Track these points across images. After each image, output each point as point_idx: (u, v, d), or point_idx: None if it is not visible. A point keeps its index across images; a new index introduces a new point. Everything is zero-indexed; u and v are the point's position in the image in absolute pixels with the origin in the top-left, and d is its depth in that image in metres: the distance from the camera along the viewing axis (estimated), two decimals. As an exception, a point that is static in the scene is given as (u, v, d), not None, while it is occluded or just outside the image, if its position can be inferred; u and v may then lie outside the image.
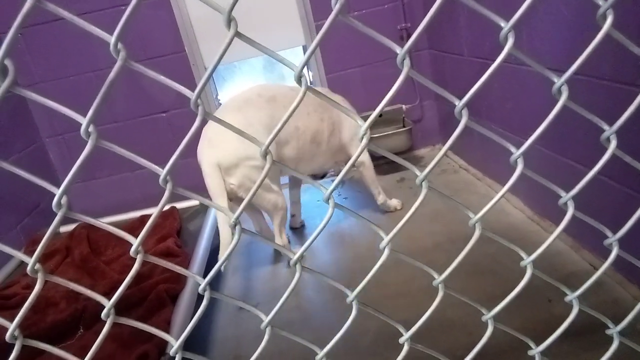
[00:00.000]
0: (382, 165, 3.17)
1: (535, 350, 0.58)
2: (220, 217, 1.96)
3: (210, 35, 2.87)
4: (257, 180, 1.97)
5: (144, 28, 2.76)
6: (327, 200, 0.49)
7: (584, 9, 1.49)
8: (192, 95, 0.44)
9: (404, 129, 3.01)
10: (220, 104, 3.33)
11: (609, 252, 0.57)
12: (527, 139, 0.47)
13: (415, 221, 2.23)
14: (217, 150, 1.91)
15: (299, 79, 0.45)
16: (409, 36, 2.95)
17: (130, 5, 0.40)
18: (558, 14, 1.62)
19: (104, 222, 0.51)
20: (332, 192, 0.49)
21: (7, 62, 0.42)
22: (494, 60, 0.45)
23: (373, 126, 3.26)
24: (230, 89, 4.04)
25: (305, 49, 3.10)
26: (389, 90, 0.46)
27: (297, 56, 3.88)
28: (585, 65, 0.44)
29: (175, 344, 0.52)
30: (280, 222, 2.09)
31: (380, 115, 3.20)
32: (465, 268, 1.94)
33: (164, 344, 1.50)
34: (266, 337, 0.53)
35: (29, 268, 0.47)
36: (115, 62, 0.43)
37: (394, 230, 0.50)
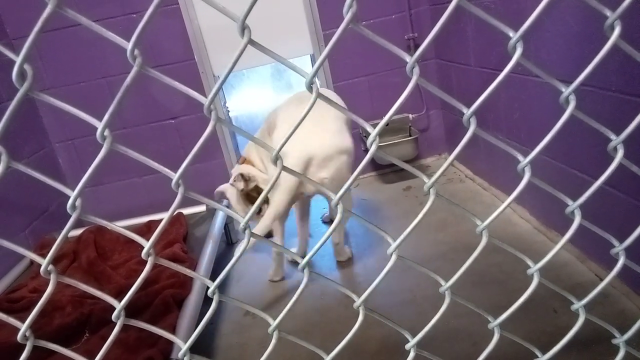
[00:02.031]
0: (389, 173, 3.18)
1: (542, 359, 0.59)
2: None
3: (220, 43, 2.90)
4: (347, 175, 1.91)
5: (154, 36, 2.79)
6: (335, 206, 0.50)
7: (590, 21, 1.50)
8: (205, 101, 0.45)
9: (410, 137, 3.02)
10: (229, 111, 3.35)
11: (615, 263, 0.57)
12: (534, 149, 0.47)
13: (421, 230, 2.23)
14: (310, 143, 1.93)
15: (310, 86, 0.46)
16: (416, 46, 2.96)
17: (147, 13, 0.41)
18: (565, 26, 1.63)
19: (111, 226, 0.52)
20: (340, 198, 0.50)
21: (26, 67, 0.43)
22: (501, 71, 0.45)
23: (379, 135, 3.26)
24: (238, 97, 4.08)
25: (312, 57, 3.13)
26: (395, 99, 0.47)
27: (304, 65, 3.91)
28: (591, 76, 0.45)
29: (183, 346, 0.53)
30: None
31: (386, 124, 3.23)
32: (471, 278, 1.94)
33: (169, 349, 1.51)
34: (273, 341, 0.54)
35: (42, 269, 0.48)
36: (129, 68, 0.44)
37: (402, 237, 0.50)
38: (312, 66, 3.35)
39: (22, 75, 0.43)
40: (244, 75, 4.00)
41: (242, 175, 2.23)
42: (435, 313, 0.57)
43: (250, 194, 2.27)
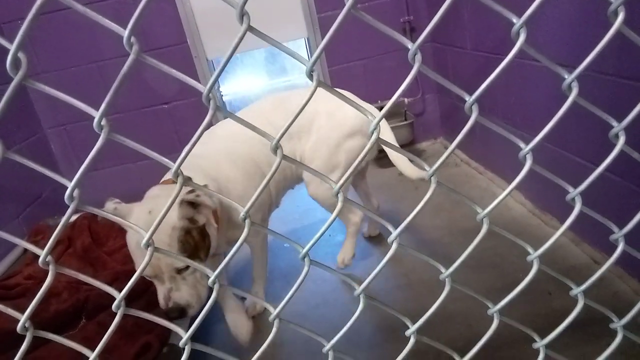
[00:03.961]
0: (383, 158, 3.17)
1: (540, 344, 0.59)
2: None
3: (213, 26, 2.86)
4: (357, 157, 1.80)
5: (146, 19, 2.74)
6: (336, 195, 0.50)
7: (587, 5, 1.48)
8: (203, 89, 0.44)
9: (405, 122, 3.01)
10: (223, 95, 3.33)
11: (610, 245, 0.57)
12: (530, 134, 0.47)
13: (418, 214, 2.24)
14: (337, 118, 1.84)
15: (310, 73, 0.45)
16: (411, 29, 2.94)
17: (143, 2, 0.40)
18: (562, 9, 1.62)
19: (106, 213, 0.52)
20: (340, 187, 0.49)
21: (20, 55, 0.42)
22: (497, 55, 0.45)
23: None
24: (232, 81, 4.04)
25: (307, 41, 3.09)
26: (390, 83, 0.46)
27: (299, 48, 3.87)
28: (592, 60, 0.45)
29: (184, 335, 0.53)
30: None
31: (381, 109, 3.16)
32: (467, 261, 1.94)
33: (166, 335, 1.51)
34: (274, 329, 0.54)
35: (41, 259, 0.48)
36: (120, 52, 0.43)
37: (402, 226, 0.50)
38: (307, 50, 3.32)
39: (16, 63, 0.42)
40: (237, 59, 3.96)
41: (191, 201, 1.27)
42: (432, 297, 0.58)
43: (190, 234, 1.27)
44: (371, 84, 3.06)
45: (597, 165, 0.51)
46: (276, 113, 1.78)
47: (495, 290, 1.66)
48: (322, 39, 0.44)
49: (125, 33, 0.41)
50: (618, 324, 0.60)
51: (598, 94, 1.51)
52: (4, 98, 0.42)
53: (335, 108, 1.85)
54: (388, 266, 1.96)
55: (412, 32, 2.93)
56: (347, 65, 3.03)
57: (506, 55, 0.44)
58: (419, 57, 0.44)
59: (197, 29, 2.84)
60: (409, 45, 0.44)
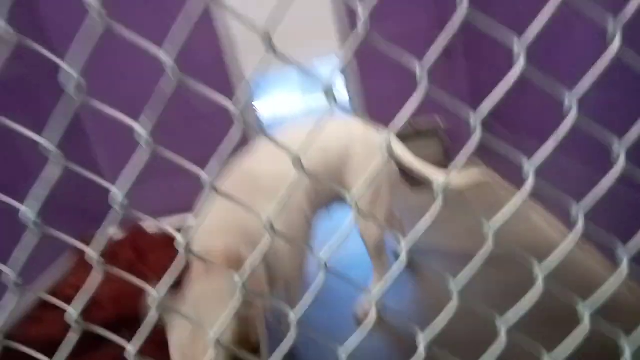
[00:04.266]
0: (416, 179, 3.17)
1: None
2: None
3: (251, 48, 2.97)
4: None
5: (187, 40, 2.88)
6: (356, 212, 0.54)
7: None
8: (235, 110, 0.50)
9: (438, 141, 3.02)
10: (258, 113, 3.43)
11: None
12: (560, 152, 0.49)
13: (457, 237, 2.19)
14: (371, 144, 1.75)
15: (327, 94, 0.50)
16: (448, 53, 2.96)
17: (180, 28, 0.46)
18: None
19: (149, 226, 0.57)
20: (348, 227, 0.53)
21: (81, 80, 0.49)
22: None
23: (407, 139, 3.25)
24: (266, 97, 4.16)
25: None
26: (425, 104, 0.50)
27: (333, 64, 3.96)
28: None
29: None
30: None
31: (412, 126, 3.13)
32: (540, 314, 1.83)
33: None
34: (292, 334, 0.58)
35: (94, 261, 0.54)
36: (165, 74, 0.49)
37: (410, 236, 0.54)
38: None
39: (79, 87, 0.49)
40: (272, 79, 4.08)
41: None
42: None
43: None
44: (405, 102, 3.08)
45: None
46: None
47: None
48: (354, 57, 0.49)
49: (169, 62, 0.47)
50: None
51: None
52: (61, 118, 0.49)
53: (367, 133, 1.77)
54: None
55: (448, 55, 2.95)
56: (380, 86, 3.07)
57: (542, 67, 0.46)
58: (425, 81, 0.48)
59: (236, 50, 2.96)
60: (417, 67, 0.49)
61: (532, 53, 0.47)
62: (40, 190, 0.50)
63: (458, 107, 0.52)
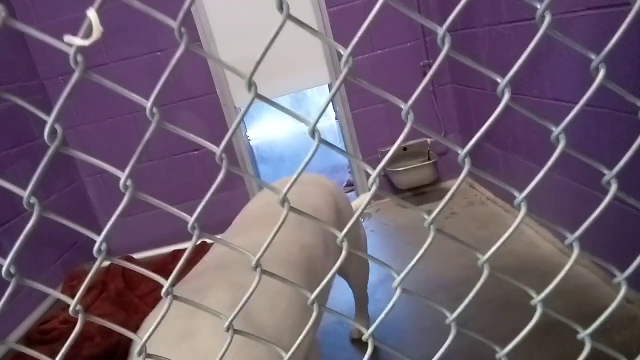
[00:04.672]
0: (409, 198, 3.18)
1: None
2: None
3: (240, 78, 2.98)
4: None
5: (177, 72, 2.90)
6: (341, 242, 0.53)
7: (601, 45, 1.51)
8: (217, 150, 0.49)
9: (429, 162, 3.03)
10: (250, 140, 3.43)
11: None
12: (554, 171, 0.49)
13: (444, 255, 2.22)
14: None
15: (313, 133, 0.50)
16: (432, 71, 3.00)
17: (166, 73, 0.46)
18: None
19: (138, 257, 0.56)
20: (345, 234, 0.52)
21: (57, 126, 0.48)
22: (515, 95, 0.48)
23: (398, 160, 3.31)
24: (258, 126, 4.17)
25: (331, 87, 3.19)
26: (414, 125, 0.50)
27: (322, 93, 3.99)
28: (604, 99, 0.47)
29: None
30: None
31: (404, 149, 3.19)
32: (496, 302, 1.91)
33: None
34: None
35: (71, 309, 0.52)
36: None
37: (404, 273, 0.53)
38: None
39: (53, 133, 0.48)
40: (264, 105, 4.10)
41: None
42: (456, 340, 0.59)
43: None
44: (394, 125, 3.11)
45: (596, 210, 0.52)
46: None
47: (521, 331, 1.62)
48: (343, 85, 0.49)
49: (148, 105, 0.47)
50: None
51: (598, 128, 1.51)
52: (42, 165, 0.47)
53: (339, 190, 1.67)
54: (416, 307, 1.93)
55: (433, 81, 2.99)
56: (369, 109, 3.09)
57: (525, 94, 0.47)
58: (411, 117, 0.48)
59: (225, 79, 2.98)
60: (402, 105, 0.48)
61: (518, 82, 0.47)
62: (22, 242, 0.48)
63: (445, 142, 0.51)
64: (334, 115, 3.53)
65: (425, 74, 3.00)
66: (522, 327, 1.79)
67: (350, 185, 3.65)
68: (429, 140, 3.10)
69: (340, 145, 3.76)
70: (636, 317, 1.57)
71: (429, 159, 3.10)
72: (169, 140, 2.98)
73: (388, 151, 3.00)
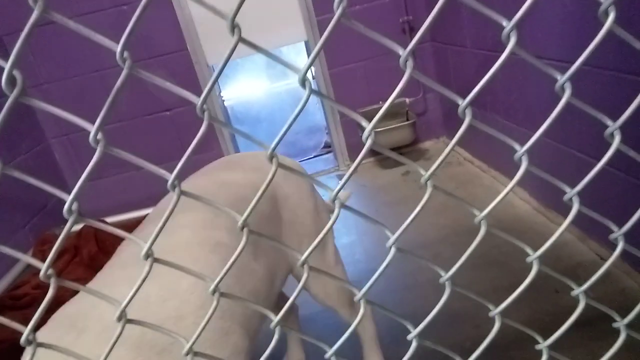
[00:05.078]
0: (387, 159, 3.17)
1: (543, 345, 0.59)
2: None
3: (212, 33, 2.87)
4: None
5: (145, 27, 2.76)
6: (333, 201, 0.50)
7: (586, 0, 1.48)
8: (197, 100, 0.44)
9: (407, 122, 3.01)
10: (224, 100, 3.33)
11: (616, 244, 0.57)
12: (532, 130, 0.47)
13: (422, 214, 2.21)
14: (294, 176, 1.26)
15: (303, 82, 0.46)
16: (411, 29, 2.94)
17: (136, 15, 0.40)
18: (561, 6, 1.61)
19: (110, 221, 0.52)
20: (338, 192, 0.49)
21: (16, 73, 0.43)
22: (497, 52, 0.45)
23: (379, 121, 3.25)
24: (233, 86, 4.05)
25: (307, 44, 3.10)
26: (392, 84, 0.46)
27: (299, 51, 3.88)
28: (590, 56, 0.45)
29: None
30: None
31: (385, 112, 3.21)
32: (472, 260, 1.93)
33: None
34: (276, 336, 0.54)
35: (41, 274, 0.48)
36: (119, 65, 0.43)
37: (400, 230, 0.50)
38: (307, 52, 3.32)
39: (11, 81, 0.42)
40: (238, 64, 3.97)
41: None
42: (438, 297, 0.58)
43: None
44: (372, 85, 3.06)
45: (600, 161, 0.50)
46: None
47: (501, 289, 1.65)
48: (318, 54, 0.44)
49: (118, 48, 0.41)
50: (620, 323, 0.59)
51: (599, 90, 1.50)
52: (1, 116, 0.42)
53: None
54: (394, 267, 1.96)
55: (411, 32, 2.93)
56: (347, 67, 3.03)
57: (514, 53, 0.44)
58: (410, 63, 0.44)
59: (197, 35, 2.85)
60: (400, 51, 0.44)
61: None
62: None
63: (444, 91, 0.48)
64: (310, 74, 3.44)
65: (404, 31, 2.93)
66: (499, 285, 1.83)
67: (328, 147, 3.62)
68: (407, 100, 3.07)
69: (318, 105, 3.69)
70: (608, 273, 1.61)
71: (407, 119, 3.07)
72: (140, 99, 2.86)
73: (367, 111, 2.96)
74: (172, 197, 0.48)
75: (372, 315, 1.46)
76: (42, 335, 0.80)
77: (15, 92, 0.42)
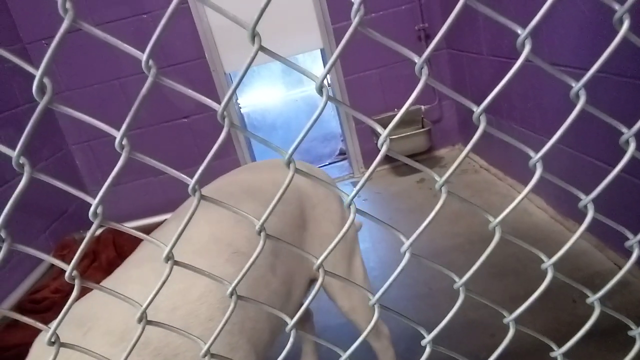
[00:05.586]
0: (401, 166, 3.17)
1: (557, 352, 0.59)
2: None
3: (230, 41, 2.91)
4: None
5: (165, 36, 2.79)
6: (348, 206, 0.51)
7: (603, 7, 1.47)
8: (218, 107, 0.46)
9: (422, 129, 3.01)
10: (241, 107, 3.37)
11: (631, 251, 0.56)
12: (549, 138, 0.47)
13: (436, 222, 2.23)
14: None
15: (320, 89, 0.47)
16: (426, 37, 2.94)
17: (161, 24, 0.42)
18: (578, 11, 1.60)
19: (128, 227, 0.54)
20: (353, 198, 0.50)
21: (46, 80, 0.45)
22: (513, 59, 0.46)
23: (395, 128, 3.25)
24: (249, 93, 4.09)
25: (323, 52, 3.12)
26: (407, 91, 0.47)
27: (314, 59, 3.91)
28: (606, 62, 0.45)
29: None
30: None
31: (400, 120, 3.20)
32: (488, 269, 1.94)
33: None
34: (291, 339, 0.55)
35: (66, 274, 0.50)
36: (141, 69, 0.45)
37: (414, 235, 0.51)
38: (322, 60, 3.34)
39: (42, 88, 0.44)
40: (254, 72, 4.01)
41: None
42: (452, 306, 0.58)
43: None
44: (388, 92, 3.07)
45: (615, 168, 0.51)
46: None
47: (517, 298, 1.64)
48: (335, 61, 0.46)
49: (144, 57, 0.43)
50: (636, 331, 0.59)
51: (617, 97, 1.49)
52: (31, 121, 0.44)
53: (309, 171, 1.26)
54: (408, 274, 1.95)
55: (427, 39, 2.93)
56: (362, 75, 3.04)
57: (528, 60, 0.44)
58: (425, 70, 0.45)
59: (215, 44, 2.90)
60: (416, 59, 0.45)
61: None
62: (12, 205, 0.46)
63: (458, 98, 0.48)
64: (326, 81, 3.46)
65: (419, 39, 2.94)
66: (515, 294, 1.82)
67: (343, 154, 3.63)
68: (423, 107, 3.07)
69: (333, 112, 3.71)
70: (627, 283, 1.59)
71: (423, 127, 3.07)
72: (158, 106, 2.91)
73: (382, 118, 2.96)
74: (192, 202, 0.49)
75: (391, 341, 1.44)
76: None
77: (46, 98, 0.44)
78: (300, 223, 1.14)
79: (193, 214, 0.49)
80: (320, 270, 0.53)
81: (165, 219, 2.71)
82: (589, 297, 0.59)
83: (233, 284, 0.54)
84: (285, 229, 1.08)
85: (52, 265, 2.48)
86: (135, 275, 0.90)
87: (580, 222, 0.49)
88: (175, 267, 0.52)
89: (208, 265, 0.92)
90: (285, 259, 1.06)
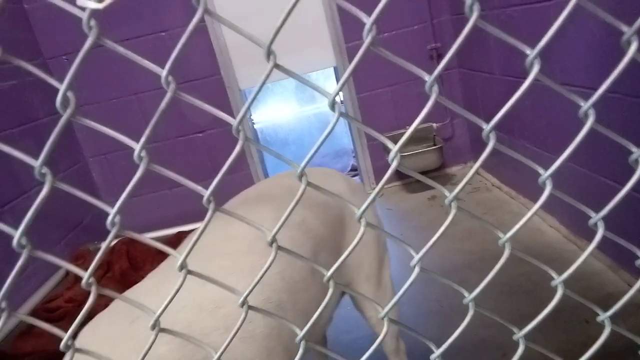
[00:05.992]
0: (413, 183, 3.17)
1: (568, 371, 0.58)
2: None
3: (245, 59, 2.96)
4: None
5: (182, 53, 2.86)
6: (359, 220, 0.52)
7: (613, 29, 1.48)
8: (234, 122, 0.47)
9: (434, 147, 3.01)
10: (254, 123, 3.41)
11: (644, 272, 0.56)
12: (560, 156, 0.48)
13: (447, 239, 2.22)
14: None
15: (333, 105, 0.48)
16: (438, 56, 2.96)
17: (181, 42, 0.44)
18: (589, 34, 1.61)
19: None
20: (364, 212, 0.51)
21: (69, 94, 0.47)
22: (525, 79, 0.47)
23: (404, 145, 3.26)
24: (263, 109, 4.14)
25: (336, 70, 3.16)
26: (419, 109, 0.48)
27: (327, 77, 3.95)
28: (617, 82, 0.46)
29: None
30: None
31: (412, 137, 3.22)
32: (499, 287, 1.92)
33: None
34: (301, 350, 0.55)
35: (83, 281, 0.51)
36: (157, 85, 0.46)
37: (424, 249, 0.52)
38: (335, 77, 3.38)
39: (65, 102, 0.46)
40: (268, 88, 4.06)
41: None
42: (462, 323, 0.58)
43: None
44: (400, 110, 3.09)
45: (625, 187, 0.51)
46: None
47: (527, 317, 1.61)
48: (347, 79, 0.47)
49: (164, 73, 0.45)
50: (649, 351, 0.59)
51: (625, 116, 1.49)
52: (54, 133, 0.46)
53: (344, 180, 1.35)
54: (419, 291, 1.94)
55: (439, 58, 2.96)
56: (375, 92, 3.07)
57: (536, 79, 0.45)
58: (435, 88, 0.46)
59: (230, 61, 2.95)
60: (426, 77, 0.47)
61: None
62: (33, 213, 0.47)
63: (468, 116, 0.49)
64: (339, 98, 3.50)
65: (432, 58, 2.96)
66: (526, 313, 1.80)
67: (355, 170, 3.64)
68: (434, 125, 3.08)
69: (346, 129, 3.73)
70: (642, 303, 1.56)
71: (434, 144, 3.08)
72: (173, 121, 2.96)
73: (394, 135, 2.98)
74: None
75: None
76: (100, 317, 0.85)
77: (69, 111, 0.46)
78: (339, 229, 1.16)
79: (206, 225, 0.51)
80: (331, 282, 0.54)
81: (178, 231, 2.73)
82: (597, 317, 0.59)
83: (244, 294, 0.55)
84: (326, 234, 1.09)
85: (66, 275, 2.51)
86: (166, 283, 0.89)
87: (610, 236, 0.49)
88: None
89: (253, 263, 0.91)
90: (324, 262, 1.05)
